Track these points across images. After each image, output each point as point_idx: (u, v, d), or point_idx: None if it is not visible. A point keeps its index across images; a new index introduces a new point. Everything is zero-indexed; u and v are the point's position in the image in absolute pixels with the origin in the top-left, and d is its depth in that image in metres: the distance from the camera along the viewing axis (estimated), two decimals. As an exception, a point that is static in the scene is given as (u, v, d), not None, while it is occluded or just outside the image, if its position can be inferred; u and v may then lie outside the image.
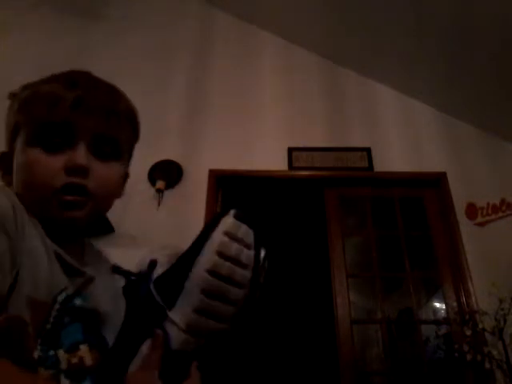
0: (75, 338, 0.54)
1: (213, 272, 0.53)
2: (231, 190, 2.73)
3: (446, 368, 2.29)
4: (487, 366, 2.03)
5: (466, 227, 2.52)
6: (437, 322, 2.70)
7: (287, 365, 3.51)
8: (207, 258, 0.54)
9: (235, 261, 0.54)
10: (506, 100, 2.67)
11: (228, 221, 0.55)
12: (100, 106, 0.59)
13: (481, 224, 2.54)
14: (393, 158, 2.74)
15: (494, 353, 2.03)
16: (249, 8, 3.19)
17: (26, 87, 0.63)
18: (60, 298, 0.53)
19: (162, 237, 2.24)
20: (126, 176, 0.70)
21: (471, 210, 2.57)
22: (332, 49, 3.09)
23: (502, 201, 2.58)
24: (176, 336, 0.55)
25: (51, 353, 0.50)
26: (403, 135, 2.86)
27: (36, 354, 0.48)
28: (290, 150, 2.73)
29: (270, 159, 2.70)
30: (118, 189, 0.66)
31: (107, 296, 0.62)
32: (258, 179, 2.70)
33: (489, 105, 2.77)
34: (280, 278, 3.02)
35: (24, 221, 0.51)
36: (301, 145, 2.76)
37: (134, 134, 0.68)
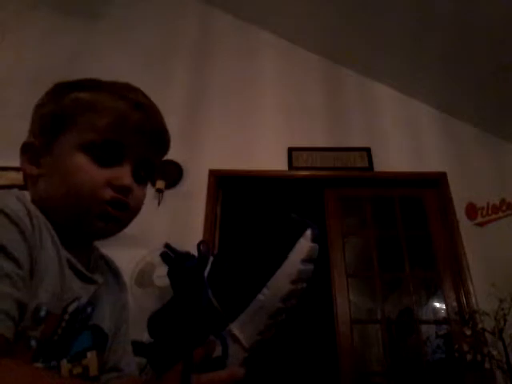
0: (83, 346, 0.54)
1: (285, 300, 0.51)
2: (231, 190, 2.72)
3: (446, 368, 2.28)
4: (487, 366, 2.03)
5: (465, 227, 2.52)
6: (437, 322, 2.70)
7: (287, 364, 3.50)
8: (282, 286, 0.50)
9: (305, 282, 0.52)
10: (506, 100, 2.67)
11: (308, 245, 0.52)
12: (154, 134, 0.62)
13: (481, 224, 2.54)
14: (393, 158, 2.74)
15: (494, 353, 2.03)
16: (249, 8, 3.19)
17: (80, 85, 0.61)
18: (71, 308, 0.52)
19: (162, 237, 2.23)
20: None
21: (471, 210, 2.57)
22: (332, 48, 3.09)
23: (502, 201, 2.58)
24: (236, 353, 0.50)
25: (53, 363, 0.50)
26: (403, 135, 2.85)
27: (38, 366, 0.47)
28: (290, 150, 2.73)
29: (270, 159, 2.70)
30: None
31: (108, 311, 0.63)
32: (258, 179, 2.70)
33: (489, 105, 2.77)
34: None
35: (41, 225, 0.51)
36: (301, 145, 2.76)
37: (162, 157, 0.70)
